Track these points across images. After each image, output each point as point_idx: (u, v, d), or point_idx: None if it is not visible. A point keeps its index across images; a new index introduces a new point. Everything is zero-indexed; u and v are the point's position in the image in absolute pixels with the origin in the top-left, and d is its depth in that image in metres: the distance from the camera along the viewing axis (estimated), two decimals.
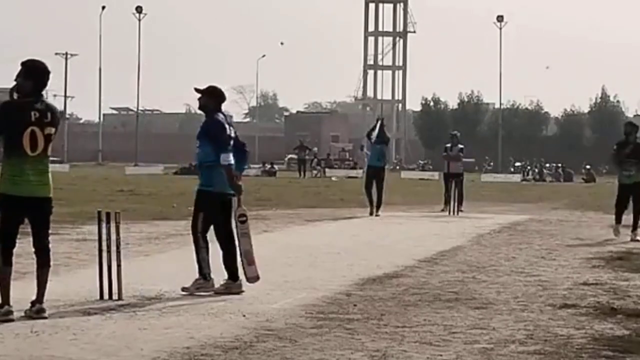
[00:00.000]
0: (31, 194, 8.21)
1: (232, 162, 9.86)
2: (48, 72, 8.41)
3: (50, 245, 8.47)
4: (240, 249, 9.89)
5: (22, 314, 8.19)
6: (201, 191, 9.95)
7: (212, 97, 10.04)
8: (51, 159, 8.52)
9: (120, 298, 9.13)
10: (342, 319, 8.37)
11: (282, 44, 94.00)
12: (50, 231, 8.51)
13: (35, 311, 8.19)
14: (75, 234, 15.56)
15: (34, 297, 8.26)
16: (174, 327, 7.93)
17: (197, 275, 9.83)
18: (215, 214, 9.89)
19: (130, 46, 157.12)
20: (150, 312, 8.56)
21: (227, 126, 9.93)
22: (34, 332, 7.62)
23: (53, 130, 8.28)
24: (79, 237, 14.99)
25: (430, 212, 23.83)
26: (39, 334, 7.55)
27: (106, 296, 9.17)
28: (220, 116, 10.02)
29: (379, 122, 23.40)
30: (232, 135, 9.98)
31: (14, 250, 8.33)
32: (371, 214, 21.92)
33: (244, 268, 9.89)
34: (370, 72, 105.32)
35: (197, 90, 10.10)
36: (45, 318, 8.13)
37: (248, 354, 7.00)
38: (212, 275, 9.85)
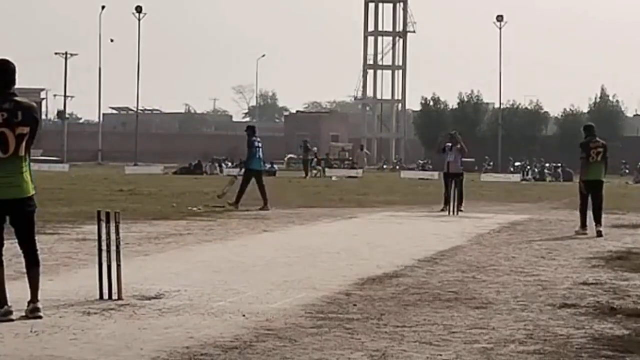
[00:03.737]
0: (5, 197, 8.07)
1: None
2: (11, 69, 8.16)
3: (37, 245, 8.39)
4: None
5: (23, 314, 8.19)
6: None
7: None
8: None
9: (120, 298, 9.13)
10: (342, 319, 8.37)
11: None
12: (37, 229, 8.46)
13: (30, 311, 8.16)
14: (75, 234, 15.56)
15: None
16: (174, 327, 7.93)
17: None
18: None
19: (130, 46, 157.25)
20: (150, 312, 8.56)
21: None
22: (34, 332, 7.62)
23: (26, 129, 8.07)
24: (79, 237, 14.99)
25: (430, 212, 23.83)
26: (39, 334, 7.55)
27: (106, 296, 9.16)
28: None
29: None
30: None
31: (7, 250, 8.31)
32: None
33: None
34: (370, 72, 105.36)
35: None
36: (40, 318, 8.10)
37: (248, 354, 7.00)
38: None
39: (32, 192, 8.28)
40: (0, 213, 8.15)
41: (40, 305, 8.22)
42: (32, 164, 8.50)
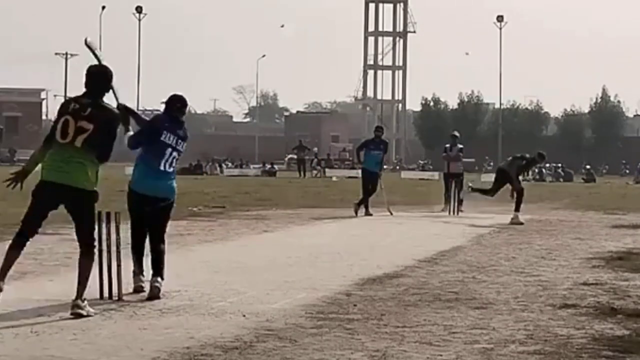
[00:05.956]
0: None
1: None
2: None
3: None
4: None
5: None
6: None
7: None
8: None
9: (120, 298, 9.13)
10: (342, 319, 8.37)
11: (282, 26, 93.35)
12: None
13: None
14: None
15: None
16: (174, 327, 7.93)
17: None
18: None
19: (130, 46, 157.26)
20: (150, 312, 8.56)
21: None
22: (34, 332, 7.62)
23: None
24: None
25: (430, 212, 23.83)
26: (39, 334, 7.55)
27: (106, 296, 9.16)
28: None
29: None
30: None
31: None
32: None
33: None
34: (370, 72, 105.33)
35: None
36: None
37: (248, 354, 7.00)
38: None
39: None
40: None
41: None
42: None
